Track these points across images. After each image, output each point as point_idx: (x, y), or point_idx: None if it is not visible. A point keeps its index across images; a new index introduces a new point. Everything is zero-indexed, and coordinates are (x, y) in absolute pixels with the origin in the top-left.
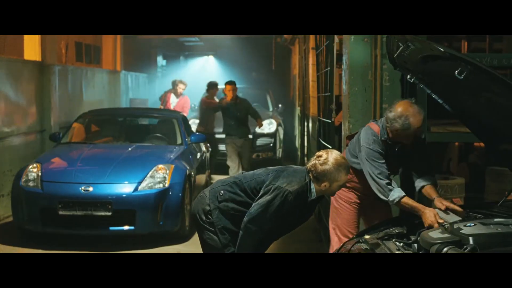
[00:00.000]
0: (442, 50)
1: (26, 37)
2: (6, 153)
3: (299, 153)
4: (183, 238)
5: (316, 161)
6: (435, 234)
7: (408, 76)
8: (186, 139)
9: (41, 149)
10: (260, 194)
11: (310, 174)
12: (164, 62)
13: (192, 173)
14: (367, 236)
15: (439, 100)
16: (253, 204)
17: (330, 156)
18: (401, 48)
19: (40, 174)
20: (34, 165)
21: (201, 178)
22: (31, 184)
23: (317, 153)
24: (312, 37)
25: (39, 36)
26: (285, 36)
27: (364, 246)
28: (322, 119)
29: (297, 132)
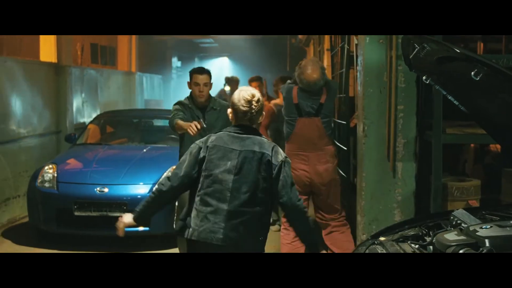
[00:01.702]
0: (458, 51)
1: (42, 38)
2: (22, 154)
3: None
4: None
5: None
6: (451, 236)
7: (424, 78)
8: None
9: (57, 150)
10: (275, 173)
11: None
12: (179, 63)
13: None
14: (382, 238)
15: (454, 102)
16: (283, 186)
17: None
18: (416, 49)
19: (55, 175)
20: (50, 166)
21: None
22: (47, 185)
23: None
24: (327, 39)
25: (55, 37)
26: (299, 37)
27: (379, 248)
28: (337, 120)
29: None
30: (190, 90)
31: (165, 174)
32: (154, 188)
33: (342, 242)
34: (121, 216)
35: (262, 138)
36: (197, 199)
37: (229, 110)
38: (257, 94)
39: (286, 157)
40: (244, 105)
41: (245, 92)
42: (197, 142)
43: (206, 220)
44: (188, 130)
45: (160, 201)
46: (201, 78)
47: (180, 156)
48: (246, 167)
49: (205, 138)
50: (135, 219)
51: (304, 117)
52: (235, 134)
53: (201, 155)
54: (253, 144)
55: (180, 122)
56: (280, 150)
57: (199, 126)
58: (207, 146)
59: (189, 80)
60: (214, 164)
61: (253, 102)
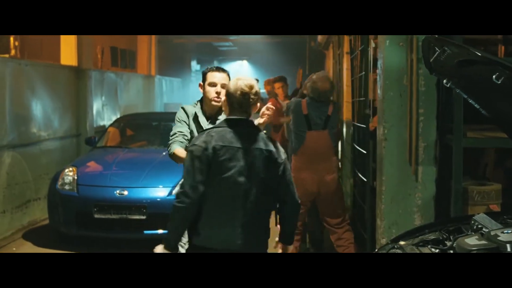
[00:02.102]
0: (479, 54)
1: (62, 42)
2: (42, 156)
3: None
4: None
5: None
6: (472, 240)
7: (445, 81)
8: None
9: (77, 153)
10: (281, 171)
11: None
12: (198, 66)
13: None
14: (402, 242)
15: (475, 105)
16: (288, 184)
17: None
18: (437, 52)
19: (76, 177)
20: (70, 168)
21: None
22: (67, 187)
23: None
24: (346, 42)
25: (76, 41)
26: (319, 40)
27: (399, 252)
28: (357, 124)
29: None
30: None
31: (177, 191)
32: (173, 211)
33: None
34: (155, 249)
35: (261, 132)
36: (208, 204)
37: (223, 99)
38: (256, 85)
39: (284, 152)
40: (242, 96)
41: (243, 82)
42: (198, 143)
43: (221, 226)
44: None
45: (185, 220)
46: (219, 77)
47: None
48: (255, 167)
49: (204, 136)
50: (168, 248)
51: (313, 130)
52: (237, 130)
53: (208, 158)
54: (258, 141)
55: (180, 151)
56: (279, 145)
57: None
58: (214, 148)
59: (201, 81)
60: (224, 167)
61: (252, 93)
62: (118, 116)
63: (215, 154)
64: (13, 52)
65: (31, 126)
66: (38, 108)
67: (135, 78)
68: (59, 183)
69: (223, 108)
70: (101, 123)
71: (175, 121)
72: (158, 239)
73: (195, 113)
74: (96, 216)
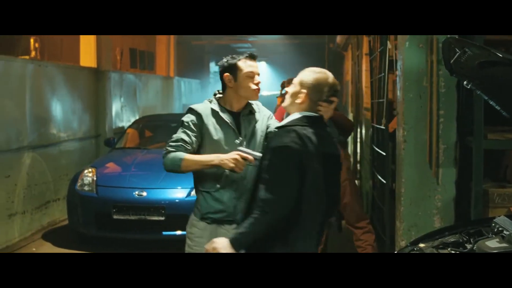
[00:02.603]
0: (500, 55)
1: (82, 44)
2: (62, 157)
3: (351, 159)
4: None
5: None
6: (492, 243)
7: (465, 82)
8: None
9: (96, 154)
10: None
11: None
12: (216, 68)
13: None
14: (421, 245)
15: (496, 107)
16: None
17: None
18: (457, 54)
19: (95, 178)
20: (90, 169)
21: None
22: (86, 188)
23: None
24: (365, 43)
25: (95, 42)
26: (337, 41)
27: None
28: (376, 125)
29: (349, 138)
30: (218, 91)
31: (265, 197)
32: (259, 219)
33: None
34: (214, 243)
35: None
36: (309, 218)
37: (298, 89)
38: None
39: None
40: (331, 92)
41: (329, 75)
42: (288, 142)
43: (313, 238)
44: (233, 168)
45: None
46: (257, 67)
47: None
48: (332, 174)
49: (290, 134)
50: (235, 249)
51: None
52: (318, 130)
53: (303, 164)
54: (334, 145)
55: (197, 157)
56: None
57: (250, 160)
58: (309, 152)
59: (228, 73)
60: (320, 177)
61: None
62: (137, 118)
63: (310, 160)
64: (33, 53)
65: (50, 127)
66: (58, 109)
67: (154, 80)
68: (79, 184)
69: (290, 102)
70: (120, 124)
71: (181, 126)
72: (176, 240)
73: (212, 109)
74: (115, 217)
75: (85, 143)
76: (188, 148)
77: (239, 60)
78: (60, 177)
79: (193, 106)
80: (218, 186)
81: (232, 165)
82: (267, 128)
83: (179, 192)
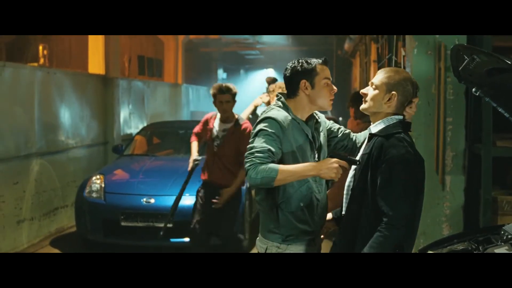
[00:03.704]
0: (509, 62)
1: (90, 51)
2: (70, 164)
3: None
4: (244, 250)
5: None
6: (502, 251)
7: (474, 90)
8: None
9: (104, 160)
10: None
11: None
12: (224, 75)
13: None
14: (430, 252)
15: (505, 114)
16: None
17: None
18: (466, 61)
19: (103, 185)
20: (98, 176)
21: None
22: (94, 195)
23: None
24: (373, 50)
25: (103, 50)
26: (345, 48)
27: None
28: None
29: None
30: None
31: (391, 221)
32: (386, 239)
33: None
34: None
35: None
36: (418, 224)
37: (383, 91)
38: None
39: None
40: (414, 89)
41: (409, 73)
42: (406, 153)
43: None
44: (334, 177)
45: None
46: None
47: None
48: None
49: (405, 145)
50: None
51: None
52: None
53: (423, 172)
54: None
55: (292, 168)
56: None
57: (346, 167)
58: (419, 161)
59: (305, 79)
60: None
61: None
62: (145, 124)
63: (418, 164)
64: (41, 60)
65: (59, 134)
66: (66, 116)
67: (162, 87)
68: (87, 190)
69: (378, 105)
70: (128, 131)
71: (262, 135)
72: (184, 247)
73: (293, 120)
74: (123, 223)
75: (93, 150)
76: (275, 160)
77: (314, 64)
78: (68, 184)
79: (272, 116)
80: (301, 204)
81: (333, 174)
82: (330, 134)
83: (187, 199)
